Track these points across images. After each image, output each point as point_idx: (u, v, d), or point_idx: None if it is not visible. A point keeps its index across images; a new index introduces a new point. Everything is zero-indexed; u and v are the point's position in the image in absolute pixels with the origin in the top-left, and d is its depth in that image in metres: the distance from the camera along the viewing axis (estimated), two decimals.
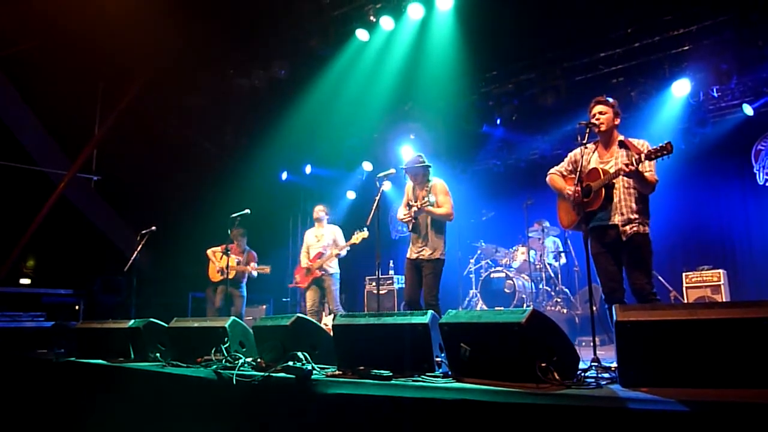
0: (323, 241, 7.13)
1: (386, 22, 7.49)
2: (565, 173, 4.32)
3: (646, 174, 3.81)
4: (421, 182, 5.42)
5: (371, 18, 7.48)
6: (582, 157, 4.02)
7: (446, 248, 5.31)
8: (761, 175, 7.87)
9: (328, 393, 3.11)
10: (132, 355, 4.75)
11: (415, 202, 5.32)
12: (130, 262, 7.36)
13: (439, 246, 5.23)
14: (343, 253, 7.08)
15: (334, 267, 7.08)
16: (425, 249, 5.23)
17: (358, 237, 6.86)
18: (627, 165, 3.73)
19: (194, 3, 7.32)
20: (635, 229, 3.86)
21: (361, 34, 7.73)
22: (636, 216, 3.88)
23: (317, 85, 8.54)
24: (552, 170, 4.42)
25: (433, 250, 5.21)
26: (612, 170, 3.88)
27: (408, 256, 5.36)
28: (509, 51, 8.05)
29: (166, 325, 4.66)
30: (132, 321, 4.84)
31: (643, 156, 3.68)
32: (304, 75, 8.51)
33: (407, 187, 5.57)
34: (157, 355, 4.53)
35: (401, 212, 5.47)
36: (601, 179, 3.92)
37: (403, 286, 9.24)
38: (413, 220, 5.31)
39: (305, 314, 6.88)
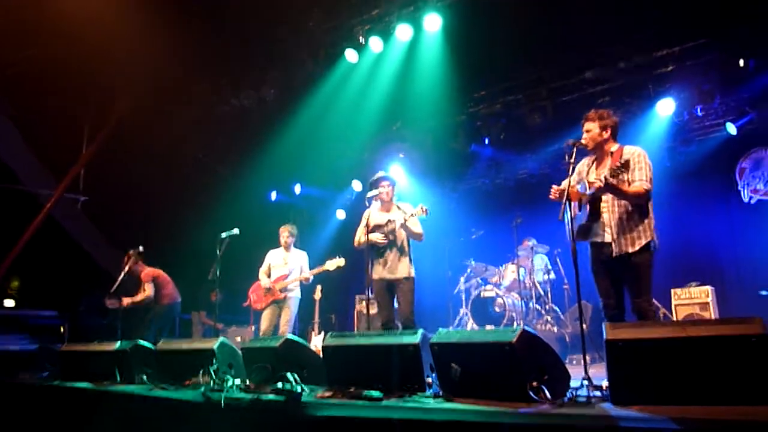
0: (291, 264, 6.89)
1: (375, 43, 7.57)
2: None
3: (623, 186, 3.72)
4: (390, 200, 5.32)
5: (360, 39, 7.55)
6: (572, 172, 4.02)
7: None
8: (746, 192, 7.98)
9: (318, 415, 3.07)
10: (118, 378, 4.68)
11: (385, 223, 5.20)
12: (117, 283, 7.27)
13: (409, 264, 5.21)
14: (311, 279, 6.86)
15: (296, 290, 6.87)
16: (399, 268, 5.15)
17: (332, 264, 6.67)
18: (599, 180, 3.68)
19: (183, 24, 7.34)
20: (627, 245, 3.79)
21: (350, 55, 7.80)
22: (627, 232, 3.81)
23: (306, 104, 8.57)
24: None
25: (408, 268, 5.19)
26: (597, 184, 3.78)
27: (377, 276, 5.19)
28: (497, 72, 8.19)
29: (153, 347, 4.60)
30: (118, 343, 4.78)
31: (608, 174, 3.61)
32: (294, 95, 8.54)
33: (366, 213, 5.33)
34: (144, 377, 4.46)
35: (377, 236, 5.17)
36: (586, 193, 3.91)
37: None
38: (388, 239, 5.15)
39: (260, 336, 6.69)
